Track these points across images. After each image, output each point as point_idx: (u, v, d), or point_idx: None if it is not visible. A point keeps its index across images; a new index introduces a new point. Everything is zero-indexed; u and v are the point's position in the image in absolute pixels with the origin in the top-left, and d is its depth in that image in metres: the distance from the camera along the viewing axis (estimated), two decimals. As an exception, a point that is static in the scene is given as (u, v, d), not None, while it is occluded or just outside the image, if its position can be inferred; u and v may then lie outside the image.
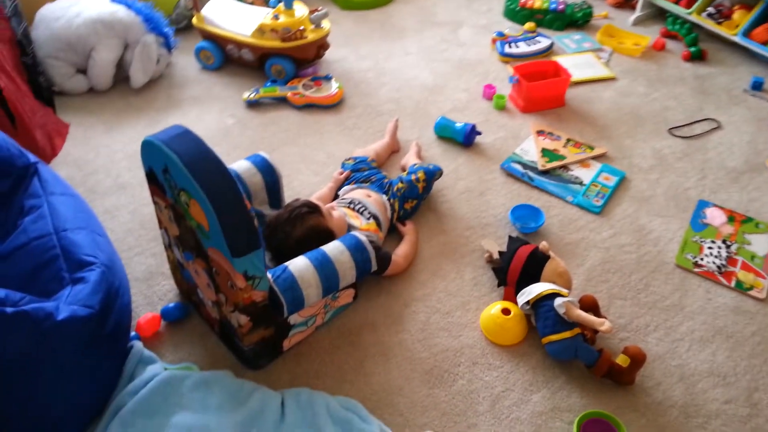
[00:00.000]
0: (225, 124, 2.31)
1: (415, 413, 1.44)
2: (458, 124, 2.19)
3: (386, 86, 2.51)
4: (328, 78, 2.43)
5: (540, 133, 2.24)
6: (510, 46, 2.70)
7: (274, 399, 1.42)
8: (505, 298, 1.67)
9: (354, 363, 1.54)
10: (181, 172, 1.21)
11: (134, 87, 2.42)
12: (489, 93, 2.41)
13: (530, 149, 2.17)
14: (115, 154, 2.16)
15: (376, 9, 3.09)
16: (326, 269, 1.43)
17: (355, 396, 1.46)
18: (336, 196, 1.89)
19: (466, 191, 2.02)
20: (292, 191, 2.01)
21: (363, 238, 1.51)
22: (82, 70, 2.41)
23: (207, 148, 1.23)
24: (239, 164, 1.68)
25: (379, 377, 1.51)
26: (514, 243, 1.69)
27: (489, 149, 2.19)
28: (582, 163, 2.12)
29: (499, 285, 1.69)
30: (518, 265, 1.62)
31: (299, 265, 1.42)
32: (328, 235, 1.57)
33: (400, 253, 1.75)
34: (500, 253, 1.70)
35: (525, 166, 2.10)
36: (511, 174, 2.08)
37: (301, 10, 2.43)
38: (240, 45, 2.44)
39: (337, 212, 1.64)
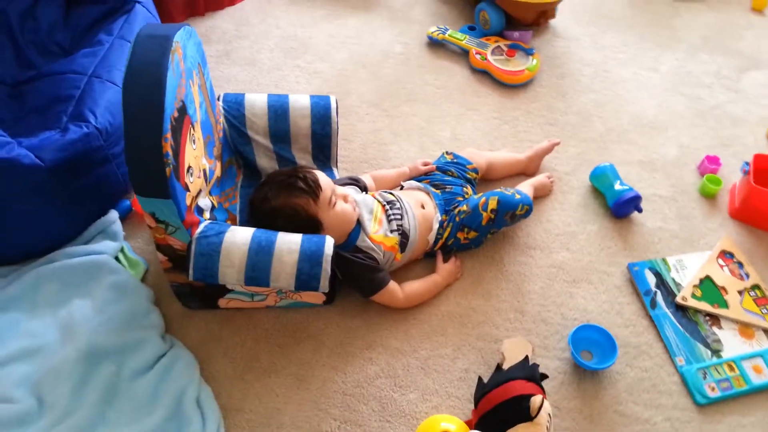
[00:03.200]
0: (391, 48, 2.04)
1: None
2: (620, 185, 1.61)
3: (593, 94, 1.95)
4: (528, 52, 1.97)
5: (725, 255, 1.55)
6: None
7: (158, 345, 1.29)
8: (470, 420, 1.25)
9: (261, 368, 1.32)
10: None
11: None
12: (706, 168, 1.72)
13: (690, 269, 1.52)
14: (272, 31, 2.07)
15: (683, 0, 2.35)
16: (260, 260, 1.18)
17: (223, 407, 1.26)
18: (401, 187, 1.56)
19: (559, 268, 1.51)
20: (382, 153, 1.73)
21: (329, 252, 1.20)
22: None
23: (159, 64, 1.03)
24: (298, 98, 1.45)
25: (270, 403, 1.28)
26: (519, 369, 1.22)
27: (637, 235, 1.59)
28: (746, 328, 1.42)
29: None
30: (495, 399, 1.17)
31: (238, 237, 1.19)
32: (312, 224, 1.30)
33: (409, 290, 1.40)
34: (498, 366, 1.26)
35: (660, 282, 1.49)
36: (633, 282, 1.50)
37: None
38: (462, -27, 2.08)
39: (342, 207, 1.33)
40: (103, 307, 1.34)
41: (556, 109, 1.88)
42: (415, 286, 1.42)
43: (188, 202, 1.16)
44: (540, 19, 2.00)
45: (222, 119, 1.41)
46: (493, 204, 1.44)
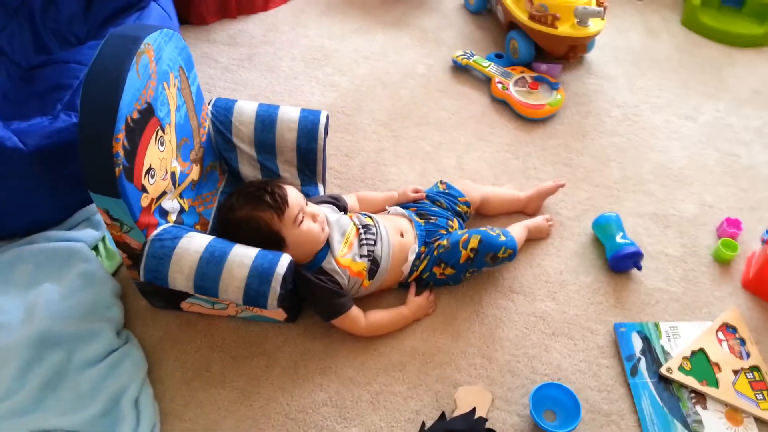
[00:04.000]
0: (413, 69, 2.00)
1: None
2: (621, 238, 1.50)
3: (616, 137, 1.83)
4: (553, 87, 1.88)
5: (727, 329, 1.41)
6: None
7: (111, 340, 1.30)
8: (405, 466, 1.19)
9: (210, 378, 1.31)
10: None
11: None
12: (725, 231, 1.58)
13: (684, 338, 1.39)
14: (299, 40, 2.08)
15: (740, 48, 2.18)
16: (210, 270, 1.16)
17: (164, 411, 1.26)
18: (387, 211, 1.51)
19: (540, 318, 1.42)
20: (380, 174, 1.69)
21: (281, 272, 1.16)
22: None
23: (120, 64, 1.04)
24: (288, 110, 1.43)
25: (210, 414, 1.26)
26: (462, 421, 1.15)
27: (634, 294, 1.48)
28: (734, 412, 1.29)
29: (418, 445, 1.20)
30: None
31: (192, 245, 1.18)
32: (274, 240, 1.27)
33: (373, 318, 1.35)
34: (443, 415, 1.18)
35: (647, 348, 1.37)
36: (616, 343, 1.39)
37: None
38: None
39: (309, 226, 1.28)
40: (69, 294, 1.36)
41: (573, 149, 1.79)
42: (380, 316, 1.37)
43: (144, 203, 1.16)
44: (570, 53, 1.91)
45: (208, 124, 1.41)
46: (474, 243, 1.37)
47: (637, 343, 1.39)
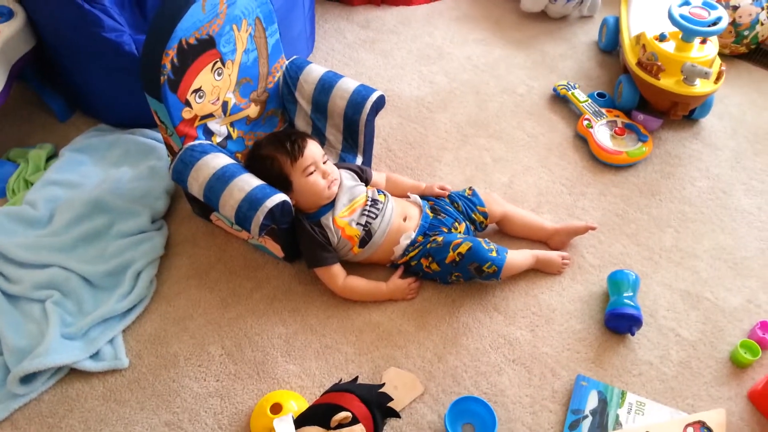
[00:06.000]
0: (513, 87, 2.02)
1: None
2: (629, 298, 1.42)
3: (688, 207, 1.68)
4: (640, 138, 1.78)
5: (701, 428, 1.27)
6: None
7: (146, 223, 1.57)
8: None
9: (206, 281, 1.53)
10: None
11: (523, 9, 2.27)
12: (755, 334, 1.40)
13: (647, 417, 1.29)
14: (423, 38, 2.21)
15: None
16: (216, 185, 1.36)
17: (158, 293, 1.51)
18: (407, 197, 1.59)
19: (509, 342, 1.42)
20: (431, 169, 1.78)
21: (269, 205, 1.31)
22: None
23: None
24: (348, 81, 1.57)
25: (189, 309, 1.48)
26: (363, 388, 1.22)
27: (618, 357, 1.39)
28: None
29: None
30: (323, 399, 1.22)
31: (212, 162, 1.39)
32: (282, 181, 1.43)
33: (351, 282, 1.47)
34: (356, 378, 1.26)
35: (600, 411, 1.30)
36: (570, 393, 1.33)
37: (704, 52, 1.73)
38: (621, 40, 1.95)
39: (315, 180, 1.42)
40: (135, 179, 1.66)
41: (634, 204, 1.70)
42: (358, 282, 1.47)
43: (186, 116, 1.39)
44: (672, 109, 1.79)
45: (279, 75, 1.61)
46: (463, 248, 1.41)
47: (592, 402, 1.32)
